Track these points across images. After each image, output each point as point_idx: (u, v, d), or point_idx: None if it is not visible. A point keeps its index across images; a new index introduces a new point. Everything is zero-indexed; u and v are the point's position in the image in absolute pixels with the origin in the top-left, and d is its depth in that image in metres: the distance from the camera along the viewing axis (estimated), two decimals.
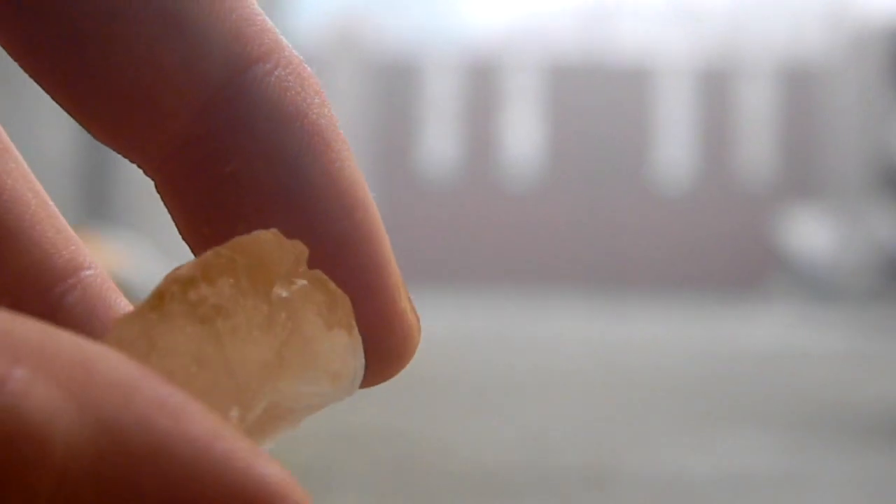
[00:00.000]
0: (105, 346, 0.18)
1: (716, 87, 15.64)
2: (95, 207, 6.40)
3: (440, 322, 7.52)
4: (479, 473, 2.34)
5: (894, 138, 12.84)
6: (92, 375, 0.17)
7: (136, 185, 6.46)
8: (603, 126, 15.71)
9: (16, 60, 0.23)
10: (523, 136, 15.75)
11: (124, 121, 0.23)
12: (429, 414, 3.26)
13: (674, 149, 15.73)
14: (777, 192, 15.58)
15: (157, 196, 0.24)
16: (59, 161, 5.79)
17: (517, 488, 2.21)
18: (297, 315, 0.21)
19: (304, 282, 0.22)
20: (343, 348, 0.22)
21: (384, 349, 0.23)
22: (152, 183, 0.24)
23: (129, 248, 4.58)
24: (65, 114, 0.24)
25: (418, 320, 0.24)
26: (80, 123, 0.23)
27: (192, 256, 0.22)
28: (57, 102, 0.23)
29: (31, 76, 0.23)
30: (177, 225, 0.24)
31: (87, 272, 0.25)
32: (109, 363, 0.18)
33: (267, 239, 0.21)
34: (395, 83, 15.50)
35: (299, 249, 0.22)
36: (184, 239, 0.24)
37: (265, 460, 0.18)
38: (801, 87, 15.58)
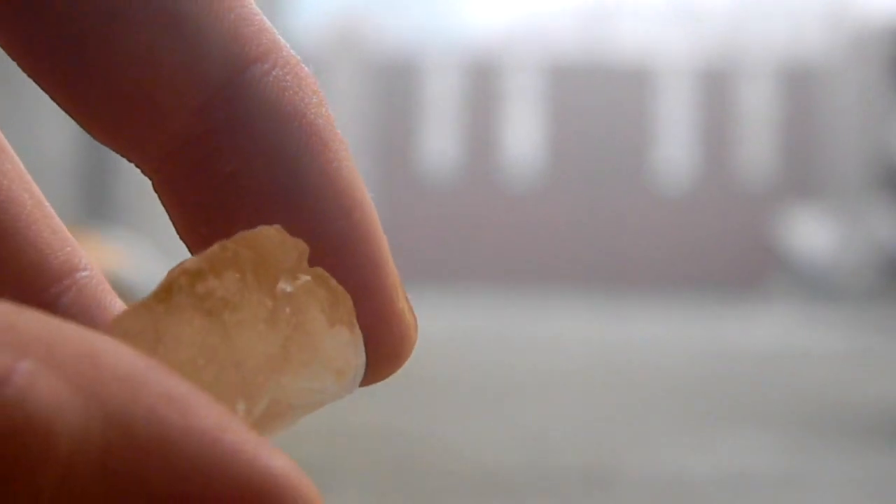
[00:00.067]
0: (111, 338, 0.18)
1: (716, 87, 15.63)
2: (95, 207, 6.40)
3: (440, 321, 7.52)
4: (479, 473, 2.34)
5: (894, 138, 12.84)
6: (98, 368, 0.17)
7: (136, 185, 6.46)
8: (603, 126, 15.71)
9: (15, 60, 0.23)
10: (523, 135, 15.75)
11: (123, 121, 0.23)
12: (429, 414, 3.26)
13: (674, 148, 15.73)
14: (777, 191, 15.58)
15: (157, 196, 0.24)
16: (59, 161, 5.79)
17: (517, 488, 2.21)
18: (301, 310, 0.22)
19: (308, 277, 0.22)
20: (345, 345, 0.22)
21: (381, 349, 0.23)
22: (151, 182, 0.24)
23: (129, 248, 4.58)
24: (65, 114, 0.24)
25: (415, 320, 0.24)
26: (79, 123, 0.23)
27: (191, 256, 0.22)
28: (56, 102, 0.23)
29: (30, 76, 0.23)
30: (174, 224, 0.24)
31: (83, 273, 0.25)
32: (116, 355, 0.17)
33: (271, 234, 0.21)
34: (395, 83, 15.50)
35: (301, 247, 0.22)
36: (181, 238, 0.24)
37: (273, 453, 0.18)
38: (801, 86, 15.57)
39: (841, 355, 5.81)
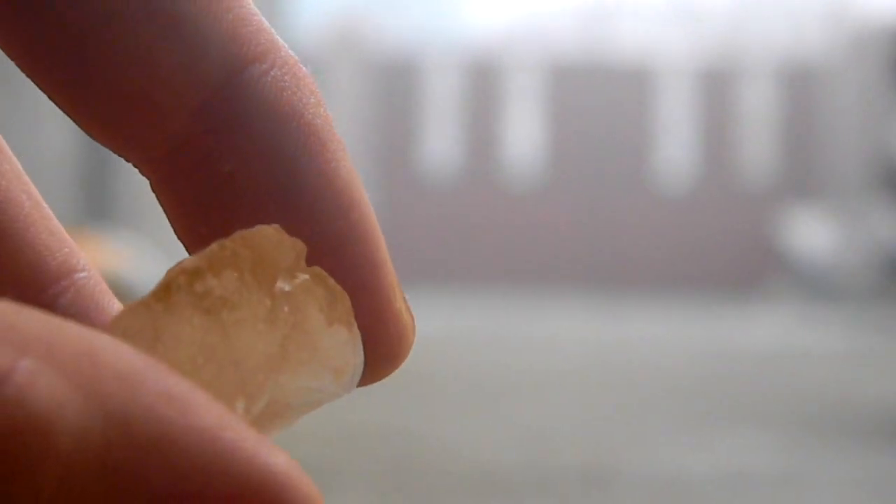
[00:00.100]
0: (111, 336, 0.18)
1: (716, 88, 15.63)
2: (95, 207, 6.40)
3: (440, 321, 7.52)
4: (479, 473, 2.34)
5: (894, 138, 12.84)
6: (98, 366, 0.17)
7: (136, 185, 6.46)
8: (603, 126, 15.71)
9: (14, 60, 0.23)
10: (524, 135, 15.75)
11: (121, 121, 0.23)
12: (428, 413, 3.26)
13: (674, 149, 15.72)
14: (777, 192, 15.58)
15: (155, 195, 0.24)
16: (59, 161, 5.79)
17: (516, 488, 2.21)
18: (299, 309, 0.22)
19: (306, 276, 0.22)
20: (343, 344, 0.22)
21: (379, 349, 0.23)
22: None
23: (130, 248, 4.58)
24: (65, 114, 0.24)
25: (413, 320, 0.24)
26: (77, 123, 0.24)
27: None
28: (54, 102, 0.23)
29: (29, 76, 0.23)
30: (172, 224, 0.24)
31: (81, 274, 0.25)
32: (115, 354, 0.18)
33: (269, 234, 0.22)
34: (395, 83, 15.50)
35: (299, 246, 0.22)
36: (179, 238, 0.24)
37: (272, 450, 0.18)
38: (801, 87, 15.57)
39: (841, 355, 5.81)
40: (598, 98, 15.66)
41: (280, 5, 8.35)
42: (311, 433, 2.64)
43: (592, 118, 15.67)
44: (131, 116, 0.23)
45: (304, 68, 0.24)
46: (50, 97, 0.23)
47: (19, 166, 0.25)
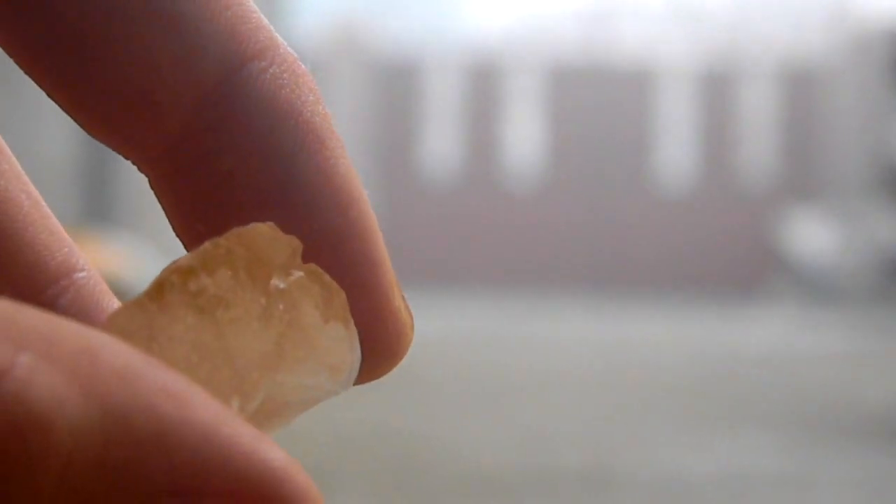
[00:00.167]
0: (108, 334, 0.18)
1: (717, 89, 15.64)
2: (95, 208, 6.40)
3: (441, 322, 7.52)
4: (479, 473, 2.34)
5: (894, 139, 12.84)
6: (96, 363, 0.17)
7: (136, 185, 6.47)
8: (604, 127, 15.71)
9: (13, 60, 0.23)
10: (524, 137, 15.75)
11: (120, 118, 0.23)
12: (428, 414, 3.26)
13: (675, 150, 15.73)
14: (778, 193, 15.58)
15: (154, 193, 0.24)
16: (59, 161, 5.79)
17: (515, 488, 2.21)
18: (295, 307, 0.22)
19: (301, 274, 0.22)
20: (340, 341, 0.22)
21: (377, 347, 0.23)
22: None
23: (130, 248, 4.58)
24: (65, 114, 0.24)
25: (412, 318, 0.24)
26: (76, 121, 0.24)
27: None
28: (53, 100, 0.23)
29: (27, 74, 0.23)
30: (171, 222, 0.24)
31: (80, 274, 0.25)
32: (114, 351, 0.18)
33: (263, 231, 0.21)
34: (396, 84, 15.50)
35: (294, 243, 0.22)
36: (177, 236, 0.24)
37: (270, 446, 0.18)
38: (801, 88, 15.58)
39: (841, 356, 5.81)
40: (599, 99, 15.66)
41: (281, 6, 8.36)
42: (311, 433, 2.64)
43: (593, 119, 15.67)
44: (130, 114, 0.23)
45: (302, 66, 0.24)
46: (50, 96, 0.23)
47: (18, 166, 0.25)
